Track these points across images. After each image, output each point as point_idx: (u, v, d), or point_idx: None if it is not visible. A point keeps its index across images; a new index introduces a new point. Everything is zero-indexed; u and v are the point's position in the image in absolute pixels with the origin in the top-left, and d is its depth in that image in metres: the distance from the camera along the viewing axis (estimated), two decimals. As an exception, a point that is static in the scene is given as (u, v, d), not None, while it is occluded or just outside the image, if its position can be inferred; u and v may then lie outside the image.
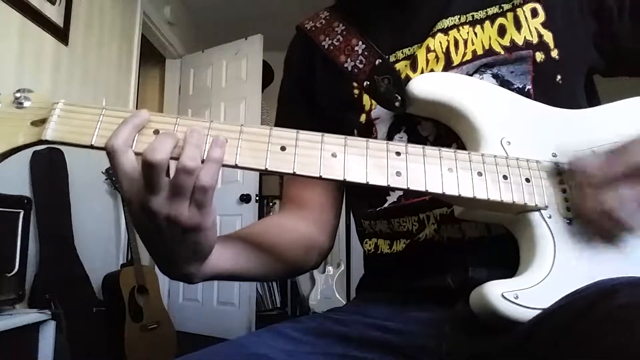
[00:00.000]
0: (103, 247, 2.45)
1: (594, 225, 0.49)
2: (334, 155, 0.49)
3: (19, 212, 1.55)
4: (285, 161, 0.47)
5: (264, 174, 0.46)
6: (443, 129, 0.61)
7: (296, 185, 0.74)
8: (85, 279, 2.00)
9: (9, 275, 1.49)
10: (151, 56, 3.49)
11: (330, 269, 3.81)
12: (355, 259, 3.84)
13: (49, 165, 1.92)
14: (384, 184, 0.49)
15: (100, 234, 2.42)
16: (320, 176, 0.48)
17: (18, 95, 0.47)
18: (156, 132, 0.46)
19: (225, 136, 0.47)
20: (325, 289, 3.76)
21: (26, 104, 0.48)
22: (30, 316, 1.50)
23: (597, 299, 0.35)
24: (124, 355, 2.05)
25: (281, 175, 0.48)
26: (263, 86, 3.46)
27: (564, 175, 0.53)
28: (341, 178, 0.48)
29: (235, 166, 0.47)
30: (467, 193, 0.50)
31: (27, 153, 1.87)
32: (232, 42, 3.45)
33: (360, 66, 0.66)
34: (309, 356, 0.55)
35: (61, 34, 2.08)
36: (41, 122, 0.46)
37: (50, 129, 0.46)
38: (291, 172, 0.47)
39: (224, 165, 0.47)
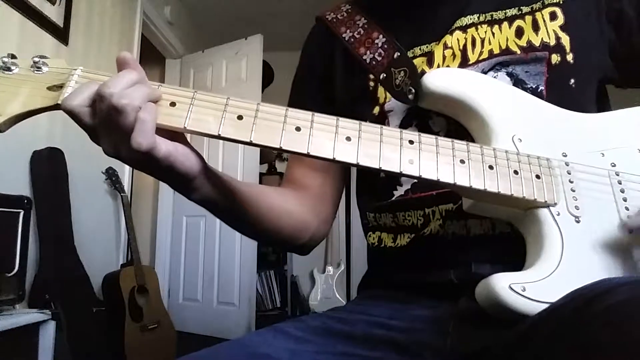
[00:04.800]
0: (103, 247, 2.45)
1: None
2: (348, 139, 0.49)
3: (19, 212, 1.55)
4: (299, 141, 0.48)
5: (278, 151, 0.47)
6: (454, 125, 0.62)
7: (300, 169, 0.75)
8: (85, 279, 2.00)
9: (9, 275, 1.49)
10: (151, 56, 3.49)
11: (330, 269, 3.81)
12: (355, 259, 3.84)
13: (49, 165, 1.92)
14: (397, 170, 0.49)
15: (100, 234, 2.42)
16: (334, 158, 0.48)
17: (36, 59, 0.48)
18: (173, 104, 0.47)
19: (241, 113, 0.47)
20: (325, 289, 3.76)
21: (44, 69, 0.48)
22: (30, 316, 1.50)
23: (596, 296, 0.35)
24: (124, 355, 2.05)
25: (295, 154, 0.48)
26: (263, 86, 3.46)
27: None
28: (354, 162, 0.48)
29: (250, 143, 0.47)
30: (478, 185, 0.50)
31: (27, 153, 1.87)
32: (232, 42, 3.44)
33: (379, 59, 0.67)
34: (312, 355, 0.55)
35: (61, 34, 2.07)
36: (58, 87, 0.47)
37: (67, 94, 0.46)
38: (305, 152, 0.47)
39: (238, 142, 0.47)
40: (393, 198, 0.67)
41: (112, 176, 2.41)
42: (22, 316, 1.47)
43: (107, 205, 2.51)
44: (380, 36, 0.68)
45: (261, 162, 3.59)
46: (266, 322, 3.04)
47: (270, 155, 4.12)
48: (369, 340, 0.57)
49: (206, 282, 3.31)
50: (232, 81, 3.43)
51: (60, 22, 2.07)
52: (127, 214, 2.38)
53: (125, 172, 2.63)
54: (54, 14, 2.02)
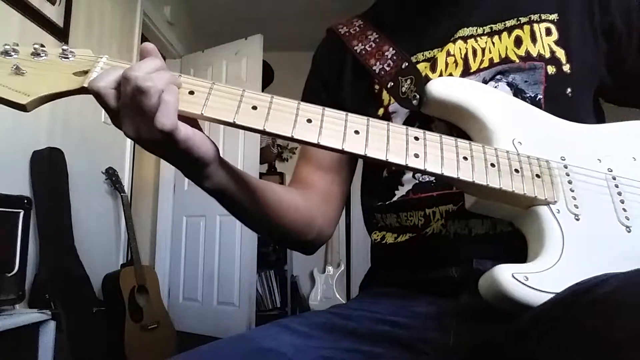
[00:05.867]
0: (103, 247, 2.45)
1: None
2: (356, 132, 0.51)
3: (19, 212, 1.55)
4: (310, 132, 0.50)
5: (289, 141, 0.49)
6: (455, 130, 0.64)
7: (307, 168, 0.77)
8: (85, 279, 2.00)
9: (9, 275, 1.49)
10: (151, 56, 3.49)
11: (330, 269, 3.81)
12: (355, 259, 3.85)
13: (49, 165, 1.92)
14: (403, 162, 0.51)
15: (100, 234, 2.42)
16: (343, 149, 0.50)
17: (65, 48, 0.52)
18: (191, 92, 0.49)
19: (255, 104, 0.49)
20: (325, 289, 3.76)
21: (71, 57, 0.52)
22: (30, 316, 1.51)
23: (590, 287, 0.37)
24: (124, 355, 2.05)
25: (305, 143, 0.50)
26: (263, 86, 3.46)
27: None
28: (362, 152, 0.50)
29: (263, 131, 0.49)
30: (480, 180, 0.52)
31: (27, 153, 1.88)
32: (232, 42, 3.44)
33: (387, 69, 0.70)
34: (317, 350, 0.55)
35: (61, 34, 2.07)
36: (84, 73, 0.50)
37: (91, 78, 0.48)
38: (315, 142, 0.49)
39: (252, 130, 0.49)
40: (395, 198, 0.69)
41: (112, 176, 2.41)
42: (22, 316, 1.47)
43: (107, 205, 2.51)
44: (391, 49, 0.72)
45: (261, 162, 3.59)
46: (266, 322, 3.04)
47: (270, 156, 4.12)
48: (372, 336, 0.58)
49: (206, 282, 3.31)
50: (232, 81, 3.43)
51: (60, 22, 2.07)
52: (127, 214, 2.39)
53: (125, 172, 2.63)
54: (54, 14, 2.02)
